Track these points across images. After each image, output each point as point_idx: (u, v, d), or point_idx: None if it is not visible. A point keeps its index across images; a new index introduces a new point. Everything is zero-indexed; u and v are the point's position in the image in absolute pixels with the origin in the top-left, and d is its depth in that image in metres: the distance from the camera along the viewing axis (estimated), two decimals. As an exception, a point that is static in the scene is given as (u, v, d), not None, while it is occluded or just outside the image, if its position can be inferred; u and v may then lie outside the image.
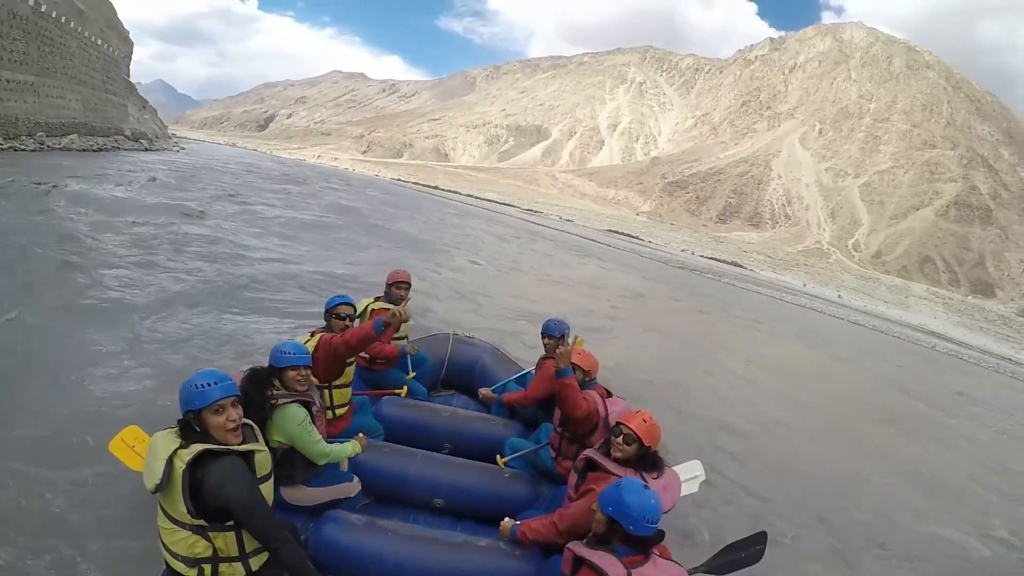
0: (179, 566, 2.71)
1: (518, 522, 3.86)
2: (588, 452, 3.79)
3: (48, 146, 37.98)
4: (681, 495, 3.87)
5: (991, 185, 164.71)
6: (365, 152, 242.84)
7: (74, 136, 42.83)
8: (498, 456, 5.14)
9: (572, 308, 18.49)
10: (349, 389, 4.90)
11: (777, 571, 5.90)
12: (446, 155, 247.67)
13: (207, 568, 2.72)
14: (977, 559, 8.02)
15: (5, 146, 33.28)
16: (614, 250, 61.23)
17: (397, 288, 6.06)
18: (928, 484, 10.71)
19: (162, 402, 6.16)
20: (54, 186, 19.36)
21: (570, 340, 5.57)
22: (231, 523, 2.70)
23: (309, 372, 3.90)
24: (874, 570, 6.94)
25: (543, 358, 5.67)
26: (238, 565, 2.78)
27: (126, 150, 51.14)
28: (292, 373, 3.75)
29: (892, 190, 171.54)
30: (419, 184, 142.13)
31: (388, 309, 4.69)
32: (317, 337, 4.60)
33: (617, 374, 11.01)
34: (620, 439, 3.60)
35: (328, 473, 3.99)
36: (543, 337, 5.71)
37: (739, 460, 9.25)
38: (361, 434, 4.33)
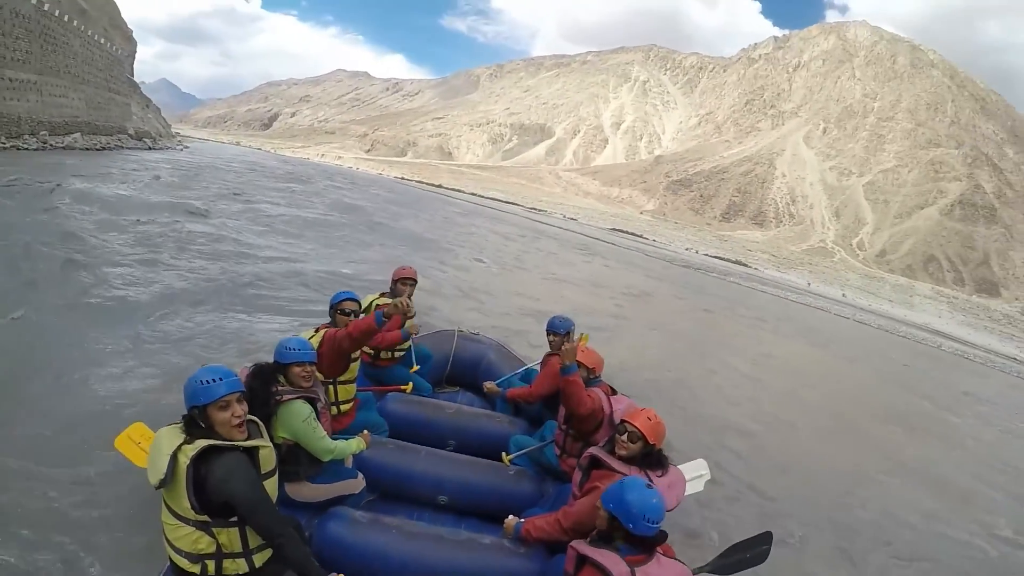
0: (183, 562, 2.71)
1: (522, 520, 3.85)
2: (592, 450, 3.78)
3: (51, 145, 37.93)
4: (686, 494, 3.86)
5: (996, 184, 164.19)
6: (369, 151, 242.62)
7: (77, 135, 42.80)
8: (503, 453, 5.12)
9: (577, 306, 18.48)
10: (354, 385, 4.88)
11: (783, 571, 5.89)
12: (450, 154, 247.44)
13: (211, 564, 2.71)
14: (983, 559, 8.00)
15: (8, 145, 33.27)
16: (618, 249, 61.19)
17: (403, 284, 6.05)
18: (934, 483, 10.68)
19: (167, 401, 6.17)
20: (58, 185, 19.39)
21: (575, 336, 5.56)
22: (235, 519, 2.70)
23: (314, 368, 3.89)
24: (881, 570, 6.92)
25: (548, 355, 5.66)
26: (242, 561, 2.77)
27: (129, 149, 51.17)
28: (297, 369, 3.75)
29: (896, 189, 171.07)
30: (423, 183, 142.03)
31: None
32: (322, 333, 4.59)
33: (622, 372, 11.00)
34: (625, 437, 3.59)
35: (333, 469, 3.99)
36: (548, 334, 5.70)
37: (744, 459, 9.23)
38: (366, 431, 4.31)
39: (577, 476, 3.86)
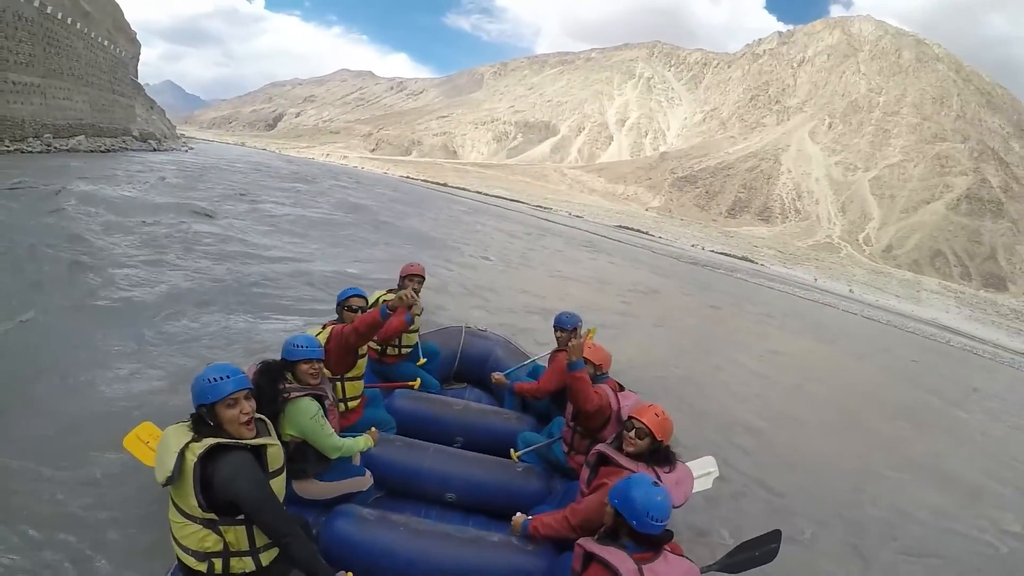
0: (190, 560, 2.70)
1: (530, 517, 3.83)
2: (600, 447, 3.76)
3: (55, 148, 37.94)
4: (694, 491, 3.83)
5: (1002, 178, 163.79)
6: (374, 150, 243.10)
7: (81, 137, 42.86)
8: (512, 450, 5.12)
9: (583, 304, 18.45)
10: (361, 382, 4.88)
11: (792, 569, 5.85)
12: (454, 152, 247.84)
13: (217, 562, 2.71)
14: (992, 555, 7.96)
15: (12, 148, 33.30)
16: (624, 246, 61.19)
17: (410, 281, 6.03)
18: (943, 479, 10.63)
19: (174, 402, 6.16)
20: (63, 187, 19.37)
21: (583, 330, 5.56)
22: (242, 517, 2.69)
23: (322, 365, 3.88)
24: (890, 566, 6.87)
25: (555, 351, 5.64)
26: (248, 559, 2.76)
27: (134, 151, 51.26)
28: (305, 366, 3.74)
29: (902, 184, 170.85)
30: (428, 181, 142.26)
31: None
32: (329, 329, 4.58)
33: (629, 369, 10.97)
34: (632, 433, 3.56)
35: (340, 467, 3.98)
36: (555, 330, 5.65)
37: (753, 456, 9.20)
38: (374, 428, 4.29)
39: (585, 473, 3.84)
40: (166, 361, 7.51)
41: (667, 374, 12.79)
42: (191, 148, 79.34)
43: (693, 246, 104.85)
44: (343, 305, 4.88)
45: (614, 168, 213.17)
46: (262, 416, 3.01)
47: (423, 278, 6.16)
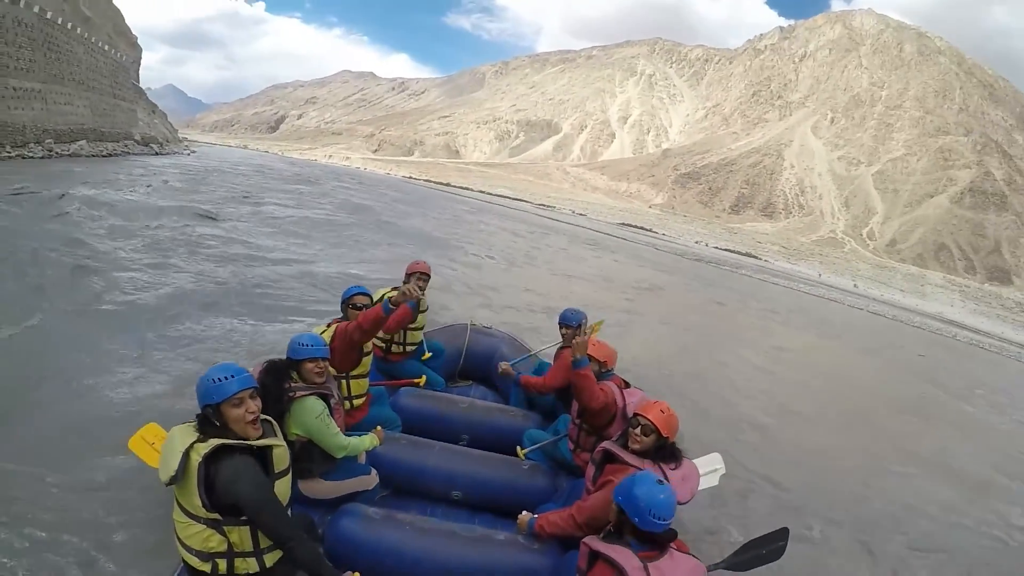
0: (193, 560, 2.69)
1: (536, 515, 3.81)
2: (605, 444, 3.75)
3: (56, 153, 37.89)
4: (701, 488, 3.82)
5: (1006, 171, 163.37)
6: (376, 151, 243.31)
7: (83, 142, 42.81)
8: (518, 448, 5.11)
9: (588, 301, 18.42)
10: (366, 380, 4.87)
11: (801, 566, 5.85)
12: (457, 152, 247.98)
13: (221, 563, 2.69)
14: (1002, 549, 7.93)
15: (13, 154, 33.25)
16: (628, 243, 61.20)
17: (415, 279, 6.03)
18: (951, 474, 10.60)
19: (180, 405, 6.18)
20: (65, 192, 19.41)
21: (588, 324, 5.54)
22: (245, 518, 2.68)
23: (327, 364, 3.88)
24: (899, 562, 6.84)
25: (561, 348, 5.64)
26: (252, 560, 2.75)
27: (136, 155, 51.24)
28: (310, 365, 3.73)
29: (906, 178, 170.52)
30: (430, 181, 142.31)
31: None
32: (333, 327, 4.58)
33: (634, 366, 10.95)
34: (638, 430, 3.55)
35: (346, 466, 3.98)
36: (560, 327, 5.67)
37: (759, 452, 9.18)
38: (379, 427, 4.27)
39: (590, 471, 3.82)
40: (170, 364, 7.52)
41: (672, 371, 12.78)
42: (193, 151, 79.36)
43: (697, 243, 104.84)
44: (348, 303, 4.88)
45: (617, 166, 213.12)
46: (268, 417, 3.00)
47: (428, 276, 6.17)
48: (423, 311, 6.26)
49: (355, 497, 3.98)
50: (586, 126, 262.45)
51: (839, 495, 8.26)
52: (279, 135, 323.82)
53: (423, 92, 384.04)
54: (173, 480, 2.55)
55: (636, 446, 3.54)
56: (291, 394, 3.58)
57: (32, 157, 34.76)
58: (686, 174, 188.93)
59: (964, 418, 15.76)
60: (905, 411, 14.69)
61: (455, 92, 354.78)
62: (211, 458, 2.58)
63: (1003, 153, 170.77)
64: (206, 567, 2.68)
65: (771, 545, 3.85)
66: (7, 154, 32.88)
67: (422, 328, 6.41)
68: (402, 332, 6.14)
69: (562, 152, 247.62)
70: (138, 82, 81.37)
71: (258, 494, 2.64)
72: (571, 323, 5.53)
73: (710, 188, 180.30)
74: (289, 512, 2.92)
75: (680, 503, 3.15)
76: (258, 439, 2.78)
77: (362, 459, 4.16)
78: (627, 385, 4.60)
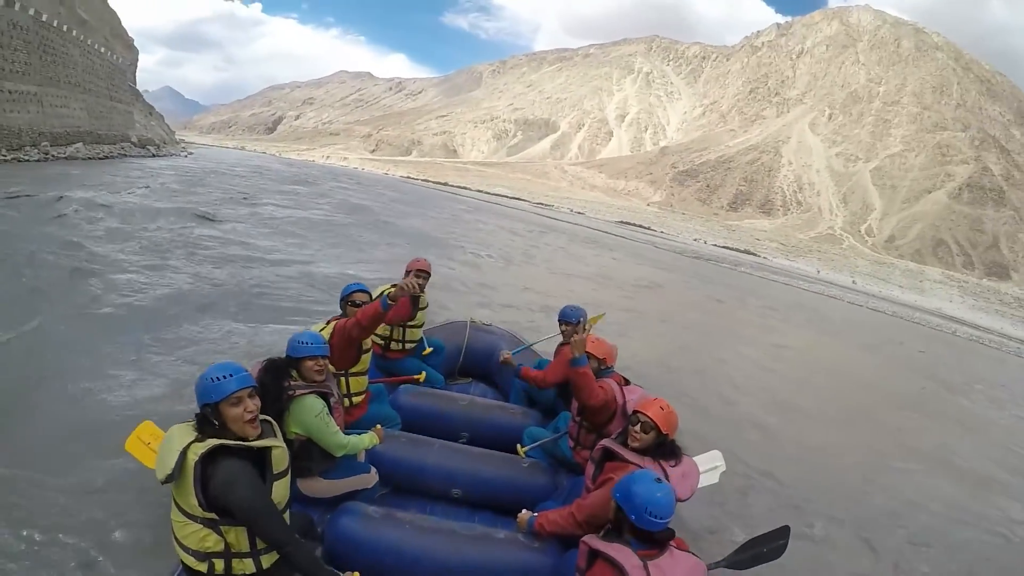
0: (190, 560, 2.68)
1: (536, 514, 3.80)
2: (605, 442, 3.74)
3: (53, 156, 37.80)
4: (701, 486, 3.80)
5: (1003, 166, 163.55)
6: (374, 151, 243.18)
7: (79, 145, 42.74)
8: (518, 446, 5.09)
9: (587, 300, 18.31)
10: (365, 377, 4.86)
11: (802, 564, 5.83)
12: (455, 151, 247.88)
13: (218, 563, 2.68)
14: (1003, 545, 7.94)
15: (9, 158, 33.17)
16: (627, 241, 61.27)
17: (416, 276, 6.01)
18: (952, 469, 10.61)
19: (178, 408, 6.16)
20: (62, 195, 19.37)
21: (589, 318, 5.54)
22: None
23: (327, 362, 3.86)
24: (901, 559, 6.84)
25: (561, 344, 5.63)
26: (249, 561, 2.73)
27: (133, 157, 51.19)
28: (310, 363, 3.72)
29: (904, 174, 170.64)
30: (428, 181, 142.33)
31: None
32: (332, 325, 4.57)
33: (634, 364, 10.91)
34: (637, 427, 3.54)
35: (345, 464, 3.97)
36: (560, 324, 5.67)
37: (760, 449, 9.17)
38: (379, 425, 4.27)
39: (590, 469, 3.81)
40: (169, 367, 7.51)
41: (672, 368, 12.79)
42: (190, 153, 79.35)
43: (695, 240, 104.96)
44: (347, 300, 4.87)
45: (614, 164, 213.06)
46: (268, 417, 2.98)
47: (428, 274, 6.15)
48: (423, 308, 6.25)
49: (355, 496, 3.96)
50: (584, 124, 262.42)
51: (840, 492, 8.25)
52: (277, 136, 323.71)
53: (420, 92, 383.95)
54: (169, 479, 2.54)
55: (636, 443, 3.54)
56: (290, 392, 3.56)
57: (28, 160, 34.73)
58: (684, 172, 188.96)
59: (964, 414, 15.76)
60: (906, 407, 14.70)
61: (452, 92, 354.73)
62: (208, 458, 2.56)
63: (1001, 148, 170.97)
64: (202, 567, 2.67)
65: (772, 543, 3.83)
66: (3, 157, 32.85)
67: (421, 326, 6.40)
68: (401, 330, 6.14)
69: (560, 151, 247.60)
70: (135, 84, 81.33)
71: (254, 501, 2.62)
72: (571, 320, 5.53)
73: (708, 186, 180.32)
74: (288, 512, 2.91)
75: (680, 500, 3.16)
76: (257, 439, 2.76)
77: (361, 457, 4.16)
78: (627, 382, 4.59)
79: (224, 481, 2.56)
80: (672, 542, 2.76)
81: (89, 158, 41.93)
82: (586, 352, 4.39)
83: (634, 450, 3.53)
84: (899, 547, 7.04)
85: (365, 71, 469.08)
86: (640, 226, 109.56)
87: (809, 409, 12.42)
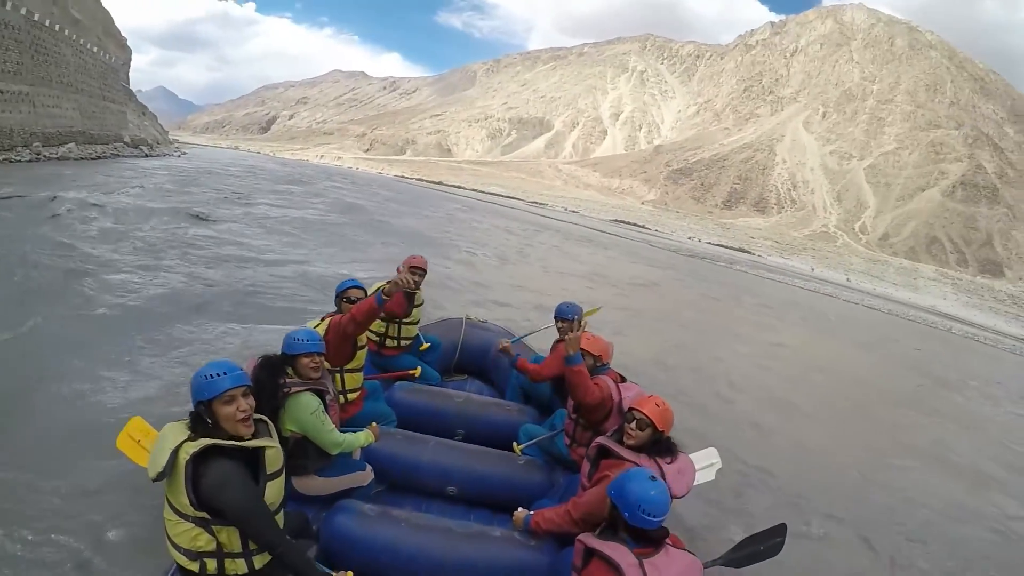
0: (182, 559, 2.66)
1: (532, 512, 3.79)
2: (600, 439, 3.73)
3: (45, 156, 37.62)
4: (697, 483, 3.79)
5: (997, 164, 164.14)
6: (368, 150, 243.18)
7: (71, 145, 42.58)
8: (515, 443, 5.07)
9: (582, 298, 18.17)
10: (361, 374, 4.85)
11: (798, 561, 5.81)
12: (449, 150, 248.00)
13: (210, 563, 2.65)
14: (1000, 542, 7.94)
15: (0, 158, 33.17)
16: (621, 239, 61.29)
17: (412, 273, 5.99)
18: (949, 466, 10.62)
19: (172, 410, 6.10)
20: (55, 195, 19.28)
21: (585, 311, 5.54)
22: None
23: (323, 359, 3.85)
24: (898, 555, 6.84)
25: (557, 341, 5.63)
26: (241, 562, 2.70)
27: (126, 157, 51.00)
28: (306, 360, 3.70)
29: (898, 171, 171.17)
30: (423, 180, 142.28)
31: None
32: (327, 321, 4.58)
33: (630, 362, 10.90)
34: (633, 425, 3.53)
35: (341, 462, 3.95)
36: (556, 321, 5.66)
37: (757, 447, 9.17)
38: (374, 423, 4.27)
39: (585, 467, 3.81)
40: (162, 368, 7.47)
41: (668, 366, 12.78)
42: (184, 153, 79.08)
43: (690, 238, 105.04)
44: (341, 296, 4.88)
45: (609, 162, 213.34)
46: (263, 417, 2.96)
47: (424, 271, 6.16)
48: (418, 305, 6.24)
49: (350, 493, 3.95)
50: (578, 123, 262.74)
51: (837, 489, 8.25)
52: (270, 136, 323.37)
53: (414, 91, 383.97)
54: (160, 477, 2.51)
55: (631, 441, 3.53)
56: (286, 390, 3.54)
57: (20, 161, 34.57)
58: (678, 170, 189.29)
59: (961, 411, 15.78)
60: (902, 404, 14.73)
61: (446, 91, 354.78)
62: (199, 458, 2.54)
63: (994, 146, 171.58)
64: (194, 566, 2.65)
65: (769, 541, 3.83)
66: (-6, 158, 32.73)
67: (417, 323, 6.38)
68: (396, 326, 6.13)
69: (554, 149, 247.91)
70: (128, 84, 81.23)
71: (245, 502, 2.60)
72: (567, 316, 5.52)
73: (702, 184, 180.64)
74: (283, 512, 2.90)
75: (676, 497, 3.17)
76: (251, 439, 2.73)
77: (357, 455, 4.14)
78: (623, 379, 4.58)
79: (215, 482, 2.54)
80: (668, 540, 2.75)
81: (81, 158, 41.80)
82: (582, 349, 4.39)
83: (630, 447, 3.52)
84: (896, 544, 7.03)
85: (359, 70, 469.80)
86: (635, 224, 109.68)
87: (806, 407, 12.42)
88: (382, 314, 5.06)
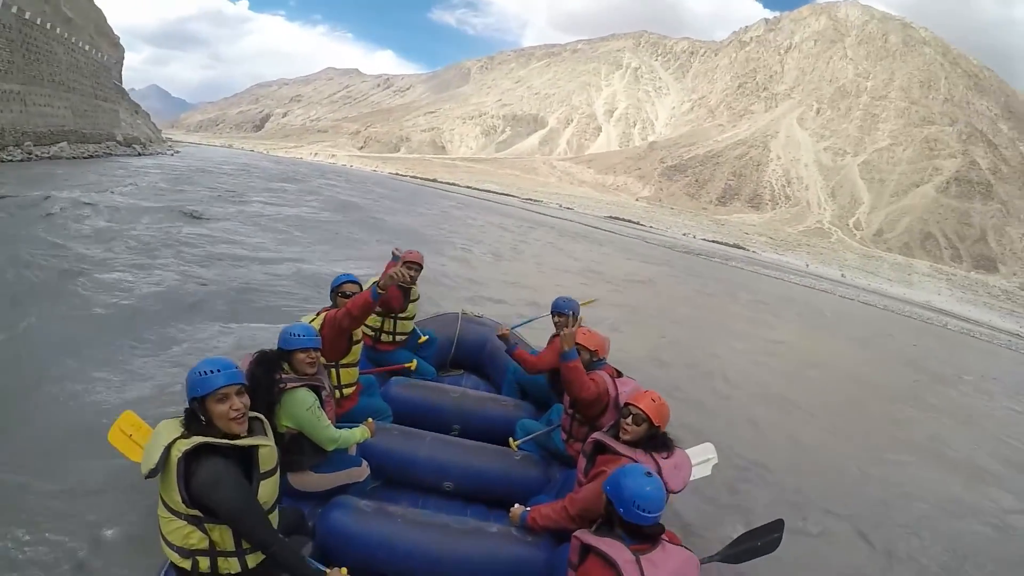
0: (174, 556, 2.64)
1: (528, 508, 3.78)
2: (596, 435, 3.71)
3: (36, 156, 37.30)
4: (693, 478, 3.78)
5: (991, 160, 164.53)
6: (362, 148, 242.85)
7: (64, 144, 42.24)
8: (511, 439, 5.06)
9: (578, 295, 18.32)
10: (356, 369, 4.82)
11: (795, 557, 5.81)
12: (443, 148, 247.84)
13: (203, 561, 2.64)
14: (996, 537, 7.97)
15: (-10, 158, 32.98)
16: (616, 236, 61.38)
17: (408, 268, 5.95)
18: (946, 461, 10.67)
19: (167, 410, 6.03)
20: (47, 195, 19.19)
21: (580, 303, 5.57)
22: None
23: (319, 355, 3.83)
24: (895, 550, 6.85)
25: (554, 336, 5.59)
26: (234, 560, 2.69)
27: (118, 156, 50.76)
28: (302, 356, 3.68)
29: (892, 167, 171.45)
30: (417, 178, 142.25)
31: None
32: (322, 316, 4.56)
33: (626, 359, 10.89)
34: (629, 420, 3.51)
35: (336, 458, 3.93)
36: (553, 315, 5.62)
37: (753, 443, 9.18)
38: (370, 419, 4.25)
39: (582, 463, 3.79)
40: (157, 367, 7.46)
41: (664, 363, 12.81)
42: (177, 152, 78.83)
43: (685, 235, 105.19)
44: (337, 291, 4.88)
45: (603, 159, 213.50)
46: (259, 415, 2.94)
47: (420, 266, 6.12)
48: (414, 300, 6.22)
49: (346, 489, 3.94)
50: (572, 120, 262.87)
51: (834, 484, 8.27)
52: (264, 134, 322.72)
53: (408, 88, 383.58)
54: (152, 473, 2.51)
55: (627, 436, 3.50)
56: (282, 385, 3.52)
57: (11, 160, 34.27)
58: (673, 167, 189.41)
59: (956, 406, 15.83)
60: (898, 400, 14.77)
61: (440, 88, 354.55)
62: (192, 455, 2.52)
63: (988, 142, 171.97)
64: (187, 564, 2.63)
65: (766, 537, 3.81)
66: (-15, 157, 32.54)
67: (412, 318, 6.35)
68: (392, 321, 6.11)
69: (548, 146, 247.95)
70: (121, 83, 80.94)
71: (237, 502, 2.57)
72: (564, 311, 5.48)
73: (697, 180, 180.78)
74: (278, 509, 2.88)
75: (673, 492, 3.19)
76: (244, 438, 2.72)
77: (353, 451, 4.11)
78: (620, 374, 4.56)
79: (207, 480, 2.52)
80: (664, 536, 2.73)
81: (74, 157, 41.54)
82: (578, 344, 4.41)
83: (626, 443, 3.50)
84: (893, 539, 7.04)
85: (353, 68, 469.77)
86: (629, 221, 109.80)
87: (802, 402, 12.43)
88: (378, 308, 5.04)
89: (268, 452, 2.78)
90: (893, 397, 14.94)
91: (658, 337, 15.64)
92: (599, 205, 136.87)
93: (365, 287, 4.90)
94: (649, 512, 2.60)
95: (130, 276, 11.43)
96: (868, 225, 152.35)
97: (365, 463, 4.12)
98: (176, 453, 2.50)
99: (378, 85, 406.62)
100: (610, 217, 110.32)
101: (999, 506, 8.92)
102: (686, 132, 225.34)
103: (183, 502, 2.52)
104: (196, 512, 2.54)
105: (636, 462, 3.21)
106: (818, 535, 6.73)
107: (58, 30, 47.06)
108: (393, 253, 6.32)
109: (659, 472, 3.21)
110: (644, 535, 2.66)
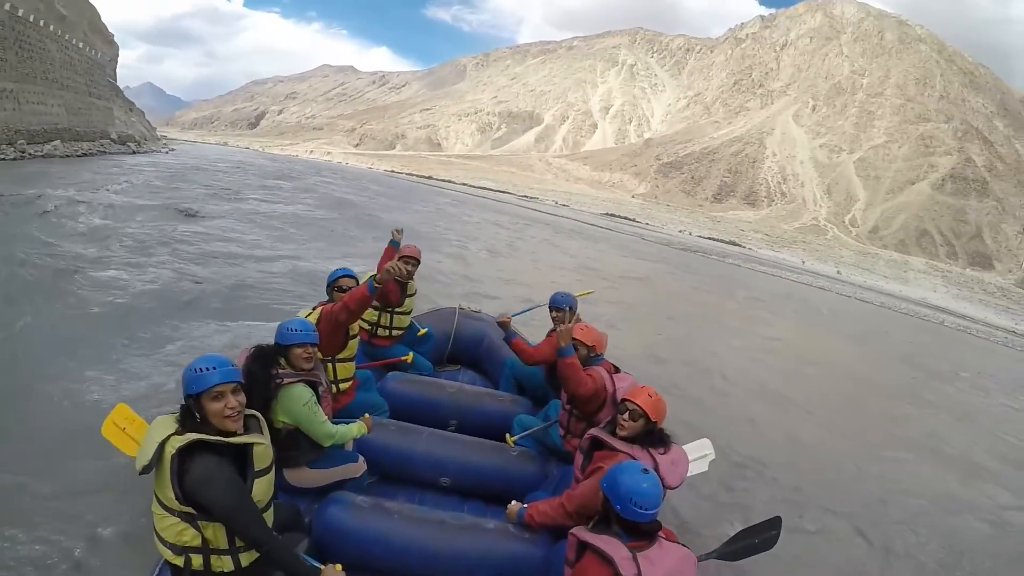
0: (167, 553, 2.63)
1: (525, 505, 3.77)
2: (593, 431, 3.70)
3: (30, 154, 37.01)
4: (690, 474, 3.76)
5: (986, 157, 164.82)
6: (357, 145, 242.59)
7: (57, 142, 41.96)
8: (507, 435, 5.05)
9: (574, 291, 18.36)
10: (353, 363, 4.81)
11: (793, 554, 5.81)
12: (439, 145, 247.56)
13: (196, 558, 2.62)
14: (993, 533, 7.98)
15: (-17, 156, 32.83)
16: (612, 233, 61.53)
17: (405, 263, 5.93)
18: (943, 458, 10.68)
19: (163, 410, 6.04)
20: (41, 194, 19.12)
21: (576, 294, 5.57)
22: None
23: (316, 350, 3.81)
24: (893, 547, 6.85)
25: (552, 331, 5.56)
26: (227, 558, 2.67)
27: (113, 154, 50.57)
28: (299, 351, 3.67)
29: (887, 164, 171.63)
30: (413, 175, 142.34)
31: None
32: (319, 310, 4.54)
33: (623, 356, 10.85)
34: (626, 415, 3.50)
35: (333, 454, 3.92)
36: (550, 310, 5.64)
37: (751, 440, 9.17)
38: (367, 414, 4.20)
39: (578, 459, 3.78)
40: (152, 366, 7.43)
41: (661, 360, 12.82)
42: (172, 149, 78.59)
43: (680, 232, 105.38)
44: (333, 285, 4.87)
45: (599, 156, 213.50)
46: (255, 412, 2.93)
47: (418, 261, 6.17)
48: (411, 295, 6.22)
49: (342, 485, 3.92)
50: (568, 117, 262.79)
51: (831, 481, 8.27)
52: (259, 131, 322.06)
53: (404, 85, 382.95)
54: (146, 470, 2.49)
55: (624, 432, 3.50)
56: (278, 381, 3.51)
57: (4, 159, 34.07)
58: (668, 163, 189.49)
59: (953, 403, 15.86)
60: (895, 396, 14.80)
61: (436, 85, 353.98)
62: (185, 452, 2.50)
63: (984, 140, 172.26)
64: (179, 561, 2.62)
65: (764, 534, 3.81)
66: (-22, 157, 32.40)
67: (409, 312, 6.34)
68: (388, 316, 6.10)
69: (544, 143, 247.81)
70: (115, 80, 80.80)
71: (230, 500, 2.55)
72: (561, 306, 5.49)
73: (693, 177, 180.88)
74: (273, 505, 2.87)
75: (670, 488, 3.19)
76: (239, 435, 2.69)
77: (349, 446, 4.10)
78: (617, 370, 4.55)
79: (200, 478, 2.50)
80: (661, 533, 2.72)
81: (67, 155, 41.32)
82: (576, 340, 4.41)
83: (623, 438, 3.49)
84: (890, 535, 7.04)
85: (348, 65, 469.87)
86: (625, 218, 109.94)
87: (799, 399, 12.44)
88: (375, 302, 5.02)
89: (263, 450, 2.76)
90: (890, 394, 14.97)
91: (655, 334, 15.65)
92: (595, 202, 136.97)
93: (361, 281, 4.89)
94: (646, 509, 2.59)
95: (125, 274, 11.40)
96: (864, 222, 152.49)
97: (362, 459, 4.10)
98: (170, 450, 2.48)
99: (373, 82, 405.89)
100: (606, 214, 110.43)
101: (996, 502, 8.94)
102: (682, 129, 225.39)
103: (176, 499, 2.50)
104: (189, 509, 2.52)
105: (633, 458, 3.18)
106: (815, 532, 6.73)
107: (52, 27, 46.90)
108: (392, 235, 6.29)
109: (656, 468, 3.20)
110: (641, 532, 2.65)
